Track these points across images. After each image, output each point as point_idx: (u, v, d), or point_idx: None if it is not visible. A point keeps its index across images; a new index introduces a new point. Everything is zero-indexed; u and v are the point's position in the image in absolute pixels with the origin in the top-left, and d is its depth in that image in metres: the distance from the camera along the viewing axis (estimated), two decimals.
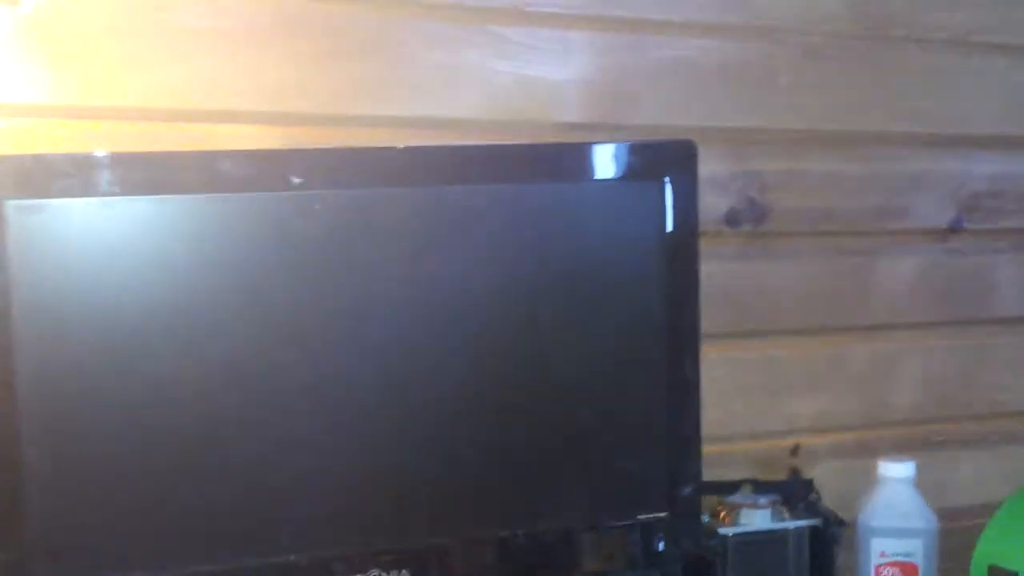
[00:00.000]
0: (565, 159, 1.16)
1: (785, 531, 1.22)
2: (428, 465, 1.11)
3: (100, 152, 1.01)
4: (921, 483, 1.28)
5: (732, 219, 1.39)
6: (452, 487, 1.12)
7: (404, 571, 1.08)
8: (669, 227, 1.16)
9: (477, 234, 1.12)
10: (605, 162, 1.15)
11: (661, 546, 1.18)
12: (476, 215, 1.12)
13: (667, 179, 1.16)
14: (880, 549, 1.26)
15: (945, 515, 1.29)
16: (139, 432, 1.02)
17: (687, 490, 1.18)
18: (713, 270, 1.33)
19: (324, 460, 1.07)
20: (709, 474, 1.23)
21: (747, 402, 1.40)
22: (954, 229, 1.49)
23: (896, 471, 1.28)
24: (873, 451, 1.32)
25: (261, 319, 1.05)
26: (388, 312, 1.09)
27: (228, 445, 1.04)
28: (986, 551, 1.27)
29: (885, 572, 1.26)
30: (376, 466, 1.09)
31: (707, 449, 1.23)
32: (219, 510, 1.04)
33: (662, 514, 1.17)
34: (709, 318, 1.30)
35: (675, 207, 1.17)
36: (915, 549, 1.26)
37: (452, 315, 1.11)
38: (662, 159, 1.17)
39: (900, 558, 1.26)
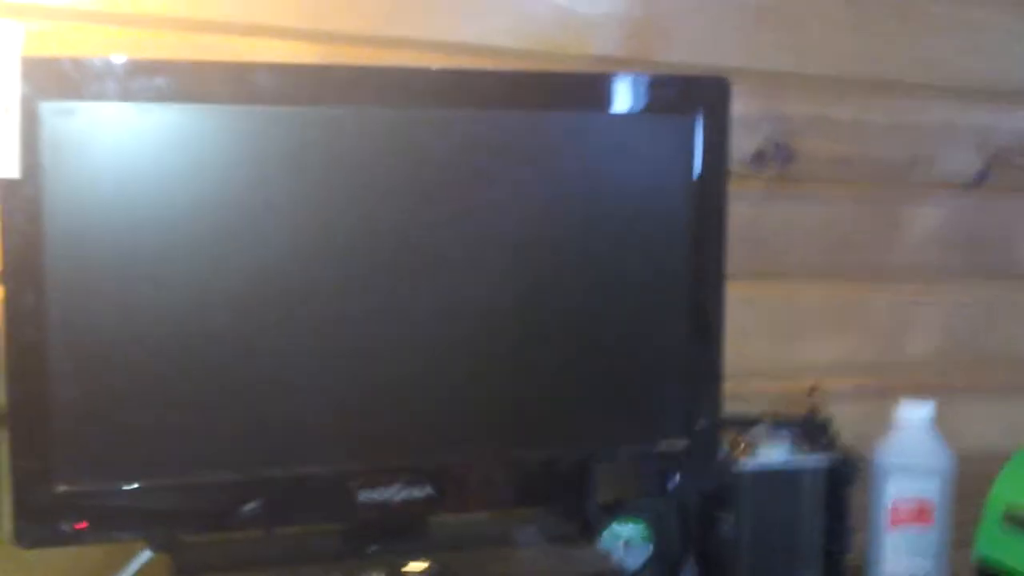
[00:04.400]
0: (598, 89, 1.16)
1: (802, 467, 1.23)
2: (452, 386, 1.11)
3: (138, 57, 1.01)
4: (939, 426, 1.29)
5: (759, 161, 1.40)
6: (475, 408, 1.12)
7: (426, 487, 1.09)
8: (698, 163, 1.17)
9: (506, 160, 1.12)
10: (638, 94, 1.15)
11: (678, 476, 1.19)
12: (506, 141, 1.12)
13: (699, 115, 1.16)
14: (896, 487, 1.27)
15: (960, 459, 1.30)
16: (164, 341, 1.02)
17: (706, 422, 1.19)
18: (738, 211, 1.33)
19: (350, 375, 1.08)
20: (728, 410, 1.25)
21: (768, 341, 1.40)
22: (979, 182, 1.50)
23: (914, 411, 1.28)
24: (890, 395, 1.32)
25: (289, 233, 1.05)
26: (414, 233, 1.09)
27: (255, 355, 1.05)
28: (1001, 494, 1.29)
29: (900, 510, 1.27)
30: (401, 384, 1.09)
31: (727, 385, 1.24)
32: (243, 420, 1.05)
33: (680, 444, 1.18)
34: (732, 258, 1.30)
35: (706, 144, 1.17)
36: (931, 488, 1.27)
37: (478, 239, 1.11)
38: (695, 94, 1.17)
39: (915, 497, 1.27)
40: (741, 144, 1.38)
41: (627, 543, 1.18)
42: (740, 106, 1.32)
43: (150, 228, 1.02)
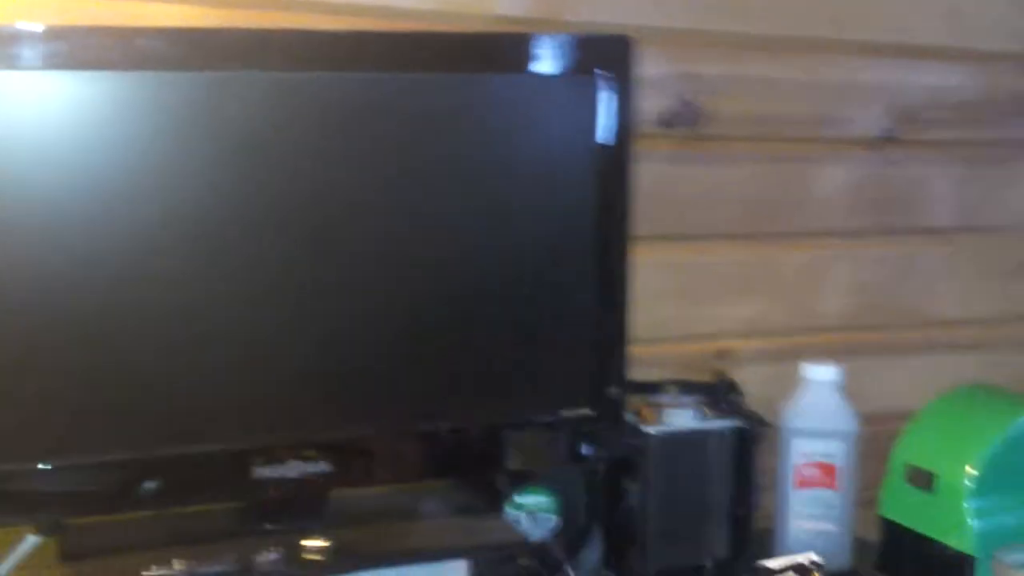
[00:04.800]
0: (499, 49, 1.14)
1: (708, 431, 1.23)
2: (350, 357, 1.10)
3: (23, 24, 0.97)
4: (847, 389, 1.30)
5: (668, 121, 1.38)
6: (375, 380, 1.11)
7: (323, 463, 1.07)
8: (603, 124, 1.15)
9: (404, 124, 1.10)
10: (539, 54, 1.13)
11: (585, 444, 1.19)
12: (405, 104, 1.10)
13: (601, 74, 1.15)
14: (801, 450, 1.28)
15: (869, 420, 1.31)
16: (50, 315, 1.00)
17: (612, 388, 1.19)
18: (647, 172, 1.32)
19: (243, 349, 1.06)
20: (636, 375, 1.24)
21: (675, 305, 1.40)
22: (889, 139, 1.49)
23: (819, 374, 1.29)
24: (800, 357, 1.32)
25: (180, 202, 1.03)
26: (312, 199, 1.07)
27: (146, 330, 1.02)
28: (905, 450, 1.30)
29: (805, 472, 1.28)
30: (297, 357, 1.08)
31: (635, 350, 1.23)
32: (133, 397, 1.03)
33: (587, 411, 1.18)
34: (641, 220, 1.29)
35: (609, 103, 1.15)
36: (835, 450, 1.28)
37: (376, 206, 1.09)
38: (597, 53, 1.15)
39: (820, 459, 1.28)
40: (650, 104, 1.36)
41: (533, 514, 1.18)
42: (649, 66, 1.32)
43: (39, 197, 0.99)
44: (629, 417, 1.22)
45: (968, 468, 1.23)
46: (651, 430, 1.21)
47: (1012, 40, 1.54)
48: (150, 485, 1.02)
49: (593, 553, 1.19)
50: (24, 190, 0.98)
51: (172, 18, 1.16)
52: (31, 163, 0.98)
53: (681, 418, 1.23)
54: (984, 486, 1.23)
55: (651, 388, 1.26)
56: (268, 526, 1.07)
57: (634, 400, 1.23)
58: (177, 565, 0.99)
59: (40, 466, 1.00)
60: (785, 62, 1.44)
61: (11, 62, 0.97)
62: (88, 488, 1.02)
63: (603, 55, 1.16)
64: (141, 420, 1.03)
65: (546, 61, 1.13)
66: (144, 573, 0.98)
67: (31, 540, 1.03)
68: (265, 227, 1.06)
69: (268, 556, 1.01)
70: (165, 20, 1.15)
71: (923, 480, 1.26)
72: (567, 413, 1.17)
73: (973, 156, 1.55)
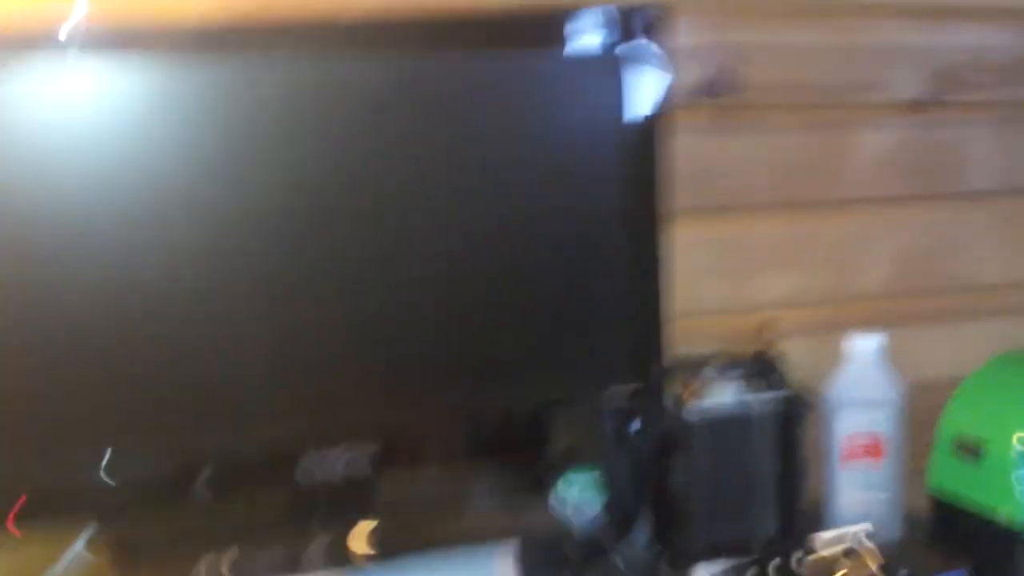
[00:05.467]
0: (534, 24, 1.13)
1: (752, 406, 1.22)
2: (393, 342, 1.10)
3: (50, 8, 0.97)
4: (892, 358, 1.28)
5: (706, 91, 1.36)
6: (417, 363, 1.11)
7: (374, 446, 1.07)
8: (637, 97, 1.14)
9: (434, 106, 1.09)
10: (574, 27, 1.12)
11: (629, 422, 1.18)
12: (434, 86, 1.09)
13: (637, 44, 1.14)
14: (847, 421, 1.27)
15: (917, 388, 1.30)
16: (94, 302, 0.99)
17: (654, 365, 1.19)
18: (685, 144, 1.31)
19: (288, 335, 1.06)
20: (678, 350, 1.24)
21: (716, 278, 1.38)
22: (929, 101, 1.47)
23: (863, 344, 1.28)
24: (844, 327, 1.32)
25: (218, 189, 1.02)
26: (347, 183, 1.06)
27: (189, 317, 1.02)
28: (952, 421, 1.29)
29: (852, 443, 1.27)
30: (342, 341, 1.08)
31: (677, 325, 1.23)
32: (180, 386, 1.03)
33: (629, 390, 1.17)
34: (680, 193, 1.29)
35: (644, 76, 1.14)
36: (881, 419, 1.27)
37: (413, 189, 1.09)
38: (633, 24, 1.14)
39: (867, 429, 1.27)
40: (688, 74, 1.34)
41: (579, 496, 1.17)
42: (686, 35, 1.31)
43: (55, 182, 0.98)
44: (672, 394, 1.21)
45: (1017, 437, 1.22)
46: (695, 407, 1.20)
47: None
48: (199, 475, 1.02)
49: (641, 534, 1.19)
50: (51, 174, 0.98)
51: (198, 3, 1.15)
52: (56, 147, 0.98)
53: (725, 394, 1.22)
54: None
55: (694, 364, 1.25)
56: (316, 515, 1.07)
57: (677, 376, 1.22)
58: (227, 560, 0.99)
59: (92, 455, 1.00)
60: (822, 28, 1.42)
61: (38, 44, 0.96)
62: (140, 478, 1.02)
63: (636, 27, 1.14)
64: (188, 409, 1.03)
65: (581, 33, 1.12)
66: (196, 570, 0.99)
67: (82, 544, 1.04)
68: (299, 213, 1.05)
69: (316, 546, 1.02)
70: (190, 5, 1.14)
71: (972, 450, 1.25)
72: (609, 391, 1.17)
73: (1014, 117, 1.52)
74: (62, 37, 0.96)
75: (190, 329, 1.03)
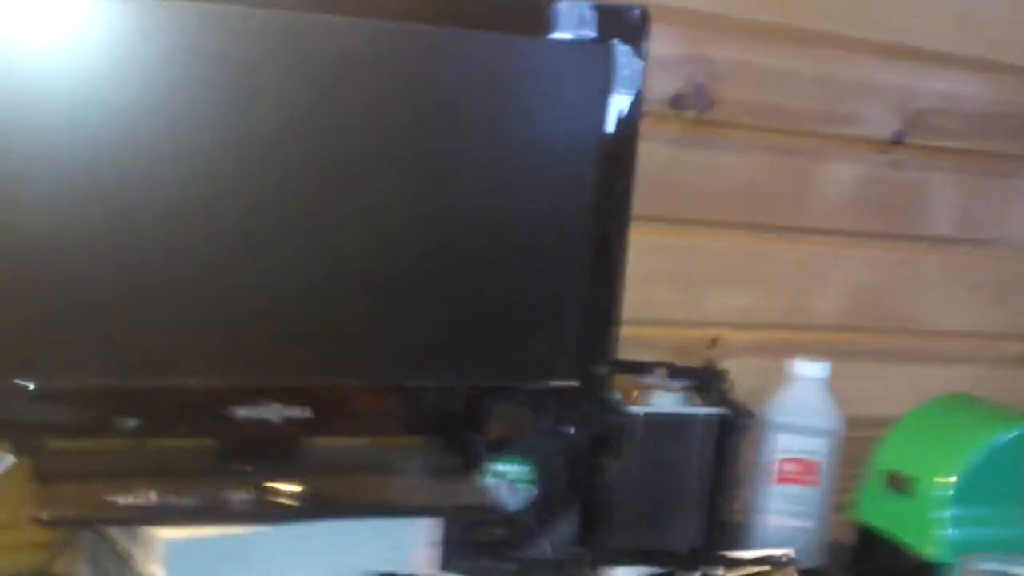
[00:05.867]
0: (512, 10, 1.11)
1: (693, 416, 1.22)
2: (339, 307, 1.08)
3: None
4: (833, 388, 1.29)
5: (678, 103, 1.37)
6: (362, 331, 1.09)
7: (301, 409, 1.06)
8: (612, 95, 1.14)
9: (408, 75, 1.07)
10: (552, 18, 1.11)
11: (568, 417, 1.18)
12: (411, 55, 1.07)
13: (614, 44, 1.13)
14: (784, 444, 1.27)
15: (853, 422, 1.30)
16: (40, 236, 0.97)
17: (601, 364, 1.18)
18: (653, 153, 1.31)
19: (234, 288, 1.04)
20: (626, 355, 1.23)
21: (671, 289, 1.38)
22: (896, 142, 1.48)
23: (808, 370, 1.28)
24: (790, 352, 1.31)
25: (173, 135, 1.00)
26: (307, 143, 1.04)
27: (136, 259, 1.00)
28: (886, 456, 1.29)
29: (786, 467, 1.27)
30: (287, 301, 1.06)
31: (627, 331, 1.22)
32: (119, 325, 1.01)
33: (573, 383, 1.16)
34: (643, 201, 1.28)
35: (620, 75, 1.14)
36: (818, 448, 1.27)
37: (376, 154, 1.07)
38: (613, 23, 1.13)
39: (802, 455, 1.27)
40: (661, 84, 1.34)
41: (510, 483, 1.16)
42: (663, 45, 1.31)
43: (39, 119, 0.96)
44: (615, 396, 1.20)
45: (947, 477, 1.22)
46: (635, 410, 1.20)
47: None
48: (128, 415, 1.00)
49: (568, 528, 1.17)
50: (19, 111, 0.96)
51: None
52: (30, 84, 0.96)
53: (667, 401, 1.22)
54: (962, 496, 1.22)
55: (640, 369, 1.25)
56: (242, 466, 1.05)
57: (622, 380, 1.21)
58: (148, 495, 0.97)
59: (19, 383, 0.98)
60: (800, 55, 1.42)
61: None
62: (66, 412, 1.00)
63: (619, 25, 1.14)
64: (125, 348, 1.01)
65: (561, 26, 1.11)
66: (113, 499, 0.97)
67: (7, 459, 1.01)
68: (255, 165, 1.03)
69: (240, 495, 1.00)
70: None
71: (902, 486, 1.25)
72: (552, 383, 1.16)
73: (979, 167, 1.54)
74: None
75: (138, 263, 1.00)
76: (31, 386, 0.98)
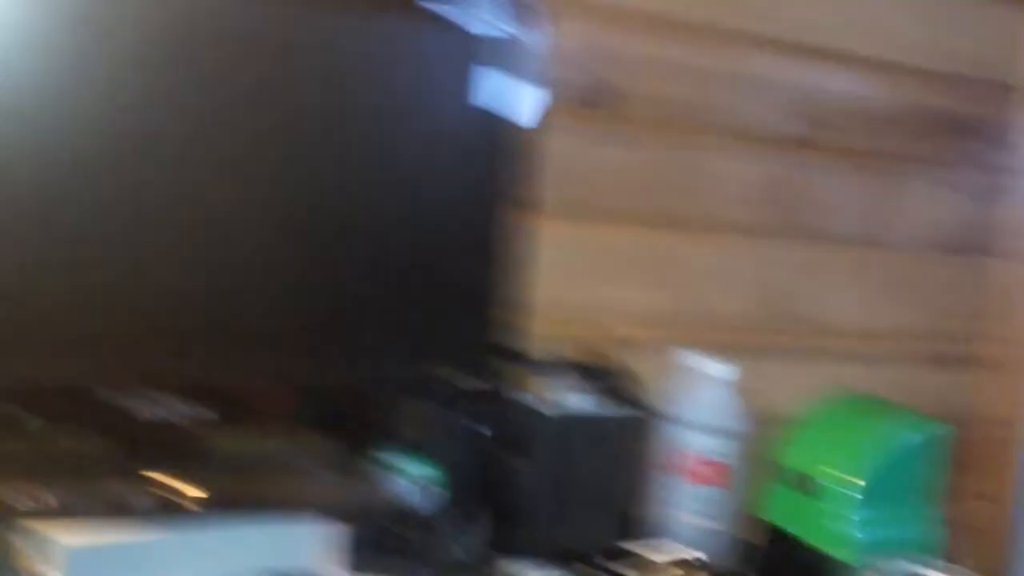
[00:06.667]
0: None
1: (600, 416, 1.19)
2: (231, 301, 1.04)
3: None
4: (738, 387, 1.27)
5: (580, 98, 1.34)
6: (256, 328, 1.06)
7: (202, 407, 1.01)
8: (500, 86, 1.11)
9: (286, 55, 1.04)
10: (451, 9, 1.09)
11: (479, 416, 1.14)
12: (290, 35, 1.04)
13: (511, 36, 1.11)
14: (691, 444, 1.25)
15: (758, 420, 1.30)
16: None
17: (502, 361, 1.15)
18: (558, 146, 1.29)
19: (125, 282, 0.99)
20: (534, 352, 1.21)
21: (578, 284, 1.35)
22: (797, 140, 1.48)
23: (714, 370, 1.27)
24: (696, 350, 1.30)
25: (54, 108, 0.95)
26: (194, 129, 1.01)
27: (31, 254, 0.96)
28: (789, 455, 1.29)
29: (694, 467, 1.25)
30: (176, 295, 1.02)
31: (535, 327, 1.20)
32: (15, 321, 0.96)
33: (474, 383, 1.14)
34: (549, 194, 1.26)
35: (519, 67, 1.12)
36: (725, 448, 1.25)
37: (251, 139, 1.03)
38: (510, 12, 1.11)
39: (709, 455, 1.25)
40: (567, 80, 1.32)
41: (420, 483, 1.12)
42: (566, 38, 1.28)
43: None
44: (523, 395, 1.17)
45: (855, 479, 1.22)
46: (544, 409, 1.16)
47: (924, 57, 1.54)
48: (18, 411, 0.95)
49: (481, 529, 1.13)
50: None
51: None
52: None
53: (576, 400, 1.18)
54: (870, 498, 1.22)
55: (548, 367, 1.21)
56: (139, 467, 1.00)
57: (529, 378, 1.18)
58: (48, 497, 0.92)
59: None
60: (702, 51, 1.41)
61: None
62: None
63: (517, 15, 1.12)
64: (20, 346, 0.97)
65: (456, 11, 1.09)
66: (10, 500, 0.92)
67: None
68: (143, 149, 0.99)
69: (139, 497, 0.95)
70: None
71: (807, 486, 1.25)
72: (455, 382, 1.12)
73: (875, 167, 1.55)
74: None
75: (25, 263, 0.96)
76: None
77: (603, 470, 1.18)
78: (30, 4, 0.93)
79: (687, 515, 1.25)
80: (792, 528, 1.26)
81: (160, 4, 0.98)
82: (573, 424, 1.17)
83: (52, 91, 0.95)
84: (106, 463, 1.00)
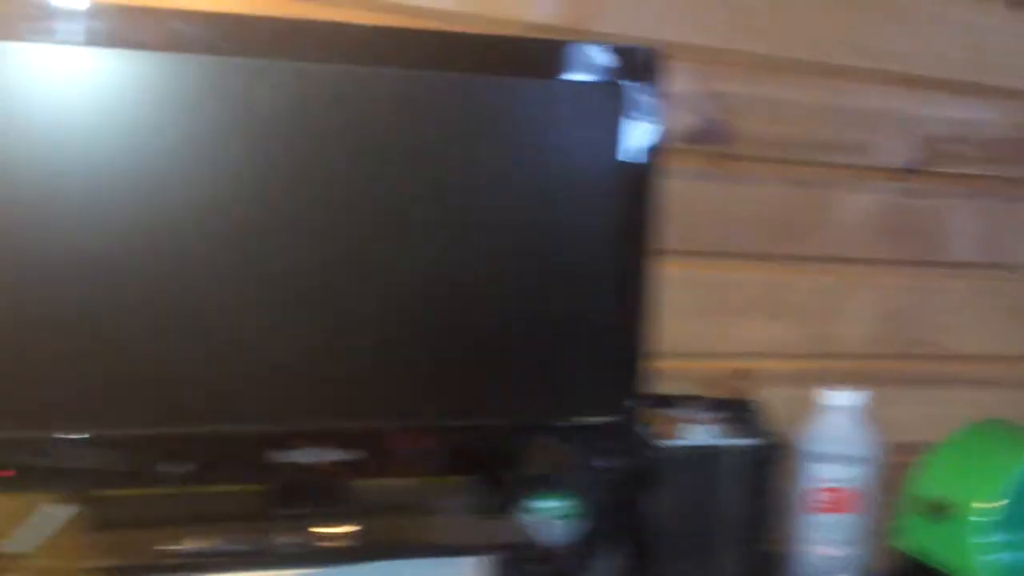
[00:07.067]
0: (529, 54, 1.13)
1: (724, 448, 1.21)
2: (378, 350, 1.09)
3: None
4: (866, 416, 1.28)
5: (694, 138, 1.37)
6: (400, 374, 1.10)
7: (343, 452, 1.06)
8: (627, 135, 1.14)
9: (432, 122, 1.09)
10: (569, 61, 1.13)
11: (601, 453, 1.17)
12: (434, 103, 1.09)
13: (629, 85, 1.14)
14: (820, 474, 1.26)
15: (886, 449, 1.29)
16: (81, 288, 0.99)
17: (631, 398, 1.17)
18: (675, 188, 1.32)
19: (275, 334, 1.05)
20: (656, 388, 1.23)
21: (698, 321, 1.38)
22: (912, 170, 1.48)
23: (841, 399, 1.27)
24: (820, 380, 1.31)
25: (210, 184, 1.02)
26: (338, 191, 1.06)
27: (180, 308, 1.02)
28: (923, 483, 1.28)
29: (821, 497, 1.26)
30: (327, 345, 1.07)
31: (657, 364, 1.22)
32: (162, 374, 1.02)
33: (604, 419, 1.16)
34: (667, 235, 1.29)
35: (635, 115, 1.15)
36: (855, 476, 1.25)
37: (405, 201, 1.08)
38: (626, 64, 1.15)
39: (837, 484, 1.25)
40: (678, 120, 1.35)
41: (550, 518, 1.15)
42: (677, 82, 1.32)
43: (63, 174, 0.98)
44: (647, 430, 1.19)
45: (987, 503, 1.21)
46: (668, 444, 1.19)
47: None
48: (174, 462, 1.01)
49: (609, 563, 1.16)
50: (54, 164, 0.98)
51: (208, 2, 1.15)
52: (63, 136, 0.98)
53: (699, 434, 1.21)
54: (1002, 521, 1.21)
55: (671, 402, 1.24)
56: (286, 511, 1.05)
57: (653, 413, 1.21)
58: (197, 543, 0.96)
59: (68, 435, 0.99)
60: (811, 86, 1.43)
61: (47, 36, 0.97)
62: (114, 462, 1.00)
63: (632, 66, 1.15)
64: (169, 397, 1.02)
65: (576, 69, 1.13)
66: (165, 547, 0.97)
67: (52, 510, 1.01)
68: (289, 214, 1.04)
69: (288, 540, 0.99)
70: (201, 3, 1.14)
71: (941, 513, 1.24)
72: (587, 420, 1.15)
73: (995, 193, 1.54)
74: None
75: (180, 314, 1.02)
76: (79, 437, 0.99)
77: (730, 501, 1.20)
78: (171, 77, 1.00)
79: (817, 544, 1.26)
80: (927, 555, 1.26)
81: (308, 85, 1.04)
82: (703, 457, 1.19)
83: (211, 163, 1.02)
84: (254, 507, 1.05)
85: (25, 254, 0.98)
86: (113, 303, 1.00)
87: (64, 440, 0.98)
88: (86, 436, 0.99)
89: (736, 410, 1.25)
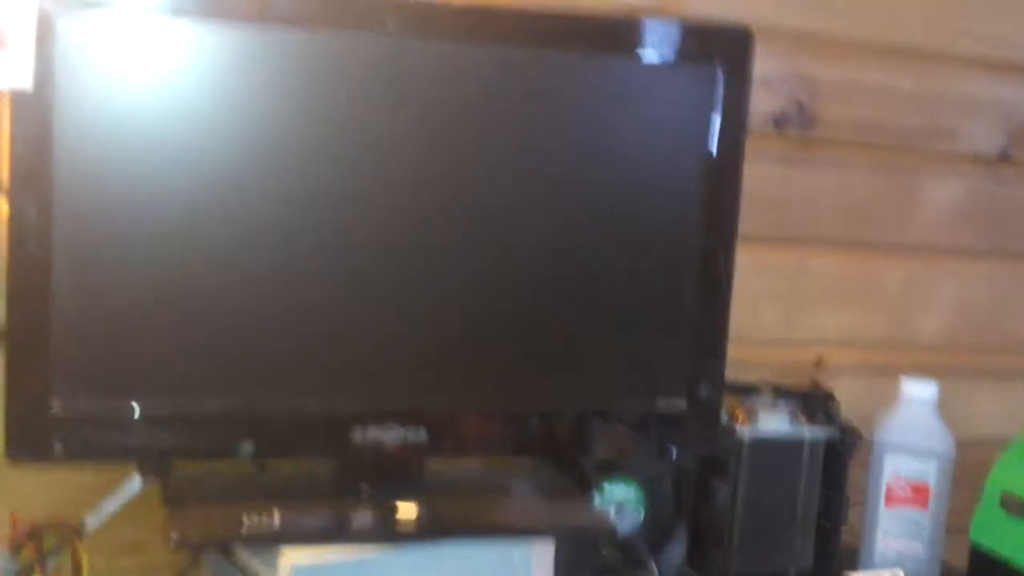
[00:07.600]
0: (618, 33, 1.12)
1: (801, 438, 1.21)
2: (455, 332, 1.10)
3: None
4: (941, 409, 1.27)
5: (780, 122, 1.36)
6: (476, 355, 1.11)
7: (424, 431, 1.07)
8: (717, 115, 1.14)
9: (522, 100, 1.09)
10: (658, 41, 1.12)
11: (676, 439, 1.17)
12: (524, 80, 1.09)
13: (719, 66, 1.13)
14: (894, 466, 1.25)
15: (961, 443, 1.28)
16: (168, 264, 1.00)
17: (708, 386, 1.17)
18: (754, 172, 1.30)
19: (355, 313, 1.06)
20: (731, 375, 1.22)
21: (776, 308, 1.38)
22: (1002, 158, 1.46)
23: (918, 391, 1.26)
24: (896, 371, 1.30)
25: (298, 159, 1.03)
26: (425, 169, 1.07)
27: (259, 284, 1.03)
28: (1000, 478, 1.27)
29: (896, 489, 1.25)
30: (405, 326, 1.08)
31: (732, 351, 1.21)
32: (243, 349, 1.03)
33: (680, 407, 1.16)
34: (746, 220, 1.27)
35: (725, 95, 1.14)
36: (929, 469, 1.25)
37: (489, 180, 1.09)
38: (716, 44, 1.14)
39: (913, 477, 1.25)
40: (763, 104, 1.34)
41: (620, 504, 1.16)
42: (765, 65, 1.30)
43: (161, 146, 0.99)
44: (723, 417, 1.20)
45: None
46: (744, 432, 1.19)
47: None
48: (251, 437, 1.03)
49: (677, 550, 1.17)
50: (148, 140, 0.99)
51: None
52: (157, 111, 0.99)
53: (775, 422, 1.21)
54: None
55: (747, 390, 1.24)
56: (363, 488, 1.06)
57: (729, 401, 1.21)
58: (275, 517, 0.99)
59: (148, 409, 1.01)
60: (900, 71, 1.41)
61: (143, 8, 0.98)
62: (191, 435, 1.03)
63: (722, 46, 1.14)
64: (249, 372, 1.04)
65: (665, 48, 1.12)
66: (239, 520, 0.98)
67: (136, 482, 1.04)
68: (378, 193, 1.05)
69: (362, 516, 1.01)
70: None
71: (1017, 508, 1.23)
72: (660, 406, 1.16)
73: None
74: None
75: (267, 293, 1.03)
76: (159, 409, 1.01)
77: (801, 492, 1.20)
78: (308, 77, 1.02)
79: (888, 537, 1.25)
80: (1000, 551, 1.25)
81: (394, 62, 1.05)
82: (778, 447, 1.19)
83: (302, 139, 1.03)
84: (328, 483, 1.08)
85: (116, 229, 0.99)
86: (191, 278, 1.01)
87: (141, 413, 1.00)
88: (161, 410, 1.01)
89: (812, 399, 1.24)
